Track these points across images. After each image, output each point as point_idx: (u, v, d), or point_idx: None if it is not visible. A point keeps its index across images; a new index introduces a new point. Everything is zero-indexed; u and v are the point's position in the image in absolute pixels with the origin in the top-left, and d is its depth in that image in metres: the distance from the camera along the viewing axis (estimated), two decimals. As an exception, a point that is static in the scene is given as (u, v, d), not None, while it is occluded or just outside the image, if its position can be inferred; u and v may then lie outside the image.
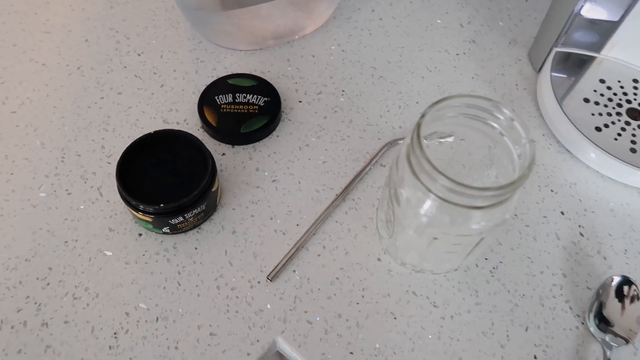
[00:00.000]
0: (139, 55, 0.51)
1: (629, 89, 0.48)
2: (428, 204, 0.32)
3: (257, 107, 0.47)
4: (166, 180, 0.39)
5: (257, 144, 0.46)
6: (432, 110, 0.31)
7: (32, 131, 0.46)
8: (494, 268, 0.41)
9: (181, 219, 0.39)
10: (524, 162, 0.30)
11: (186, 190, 0.38)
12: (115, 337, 0.37)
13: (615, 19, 0.46)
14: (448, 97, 0.32)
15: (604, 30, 0.48)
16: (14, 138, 0.45)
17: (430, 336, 0.38)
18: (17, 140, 0.45)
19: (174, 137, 0.41)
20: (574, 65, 0.50)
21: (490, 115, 0.32)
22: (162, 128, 0.47)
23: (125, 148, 0.39)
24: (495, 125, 0.33)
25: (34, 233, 0.41)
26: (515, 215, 0.44)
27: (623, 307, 0.39)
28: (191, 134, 0.40)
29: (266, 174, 0.45)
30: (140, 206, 0.37)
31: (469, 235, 0.32)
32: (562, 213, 0.44)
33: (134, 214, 0.39)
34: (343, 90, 0.50)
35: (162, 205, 0.37)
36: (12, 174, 0.43)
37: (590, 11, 0.46)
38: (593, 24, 0.48)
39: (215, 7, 0.46)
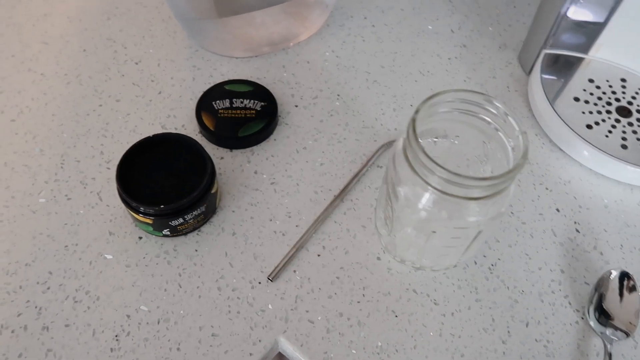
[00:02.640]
0: (136, 63, 0.52)
1: (617, 87, 0.49)
2: (426, 198, 0.33)
3: (254, 111, 0.47)
4: (166, 182, 0.39)
5: (255, 147, 0.47)
6: (425, 106, 0.32)
7: (32, 138, 0.46)
8: (492, 265, 0.41)
9: (181, 220, 0.39)
10: (518, 154, 0.31)
11: (186, 192, 0.38)
12: (117, 340, 0.36)
13: (601, 20, 0.48)
14: (440, 92, 0.32)
15: (591, 32, 0.49)
16: (13, 145, 0.46)
17: (431, 333, 0.38)
18: (17, 148, 0.46)
19: (173, 141, 0.41)
20: (563, 66, 0.51)
21: (483, 109, 0.33)
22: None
23: (124, 152, 0.40)
24: (488, 119, 0.33)
25: (34, 238, 0.41)
26: (512, 212, 0.44)
27: (622, 300, 0.39)
28: (190, 137, 0.41)
29: (265, 176, 0.45)
30: (141, 208, 0.38)
31: (467, 227, 0.33)
32: (558, 210, 0.45)
33: (134, 217, 0.39)
34: (338, 95, 0.51)
35: (162, 206, 0.37)
36: (11, 180, 0.44)
37: (576, 13, 0.47)
38: (579, 26, 0.49)
39: (211, 15, 0.47)
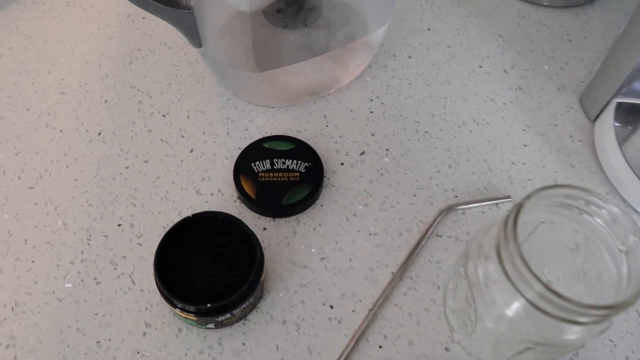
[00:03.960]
0: (163, 116, 0.47)
1: (697, 141, 0.45)
2: (519, 307, 0.29)
3: (298, 174, 0.43)
4: (209, 271, 0.35)
5: (300, 215, 0.42)
6: (529, 203, 0.27)
7: (53, 210, 0.42)
8: (574, 355, 0.37)
9: (229, 315, 0.35)
10: (635, 265, 0.27)
11: (233, 283, 0.34)
12: None
13: (683, 68, 0.43)
14: (548, 187, 0.28)
15: (670, 80, 0.44)
16: (33, 218, 0.41)
17: None
18: (37, 221, 0.41)
19: (215, 219, 0.37)
20: (636, 114, 0.46)
21: (589, 206, 0.29)
22: (195, 200, 0.43)
23: (162, 237, 0.35)
24: (592, 218, 0.29)
25: (61, 332, 0.36)
26: (587, 287, 0.40)
27: None
28: (234, 217, 0.36)
29: (313, 250, 0.41)
30: (185, 306, 0.33)
31: (566, 346, 0.29)
32: None
33: (176, 312, 0.34)
34: (387, 149, 0.46)
35: (209, 305, 0.33)
36: (33, 261, 0.39)
37: (655, 61, 0.43)
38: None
39: (251, 69, 0.42)
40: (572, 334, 0.28)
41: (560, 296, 0.25)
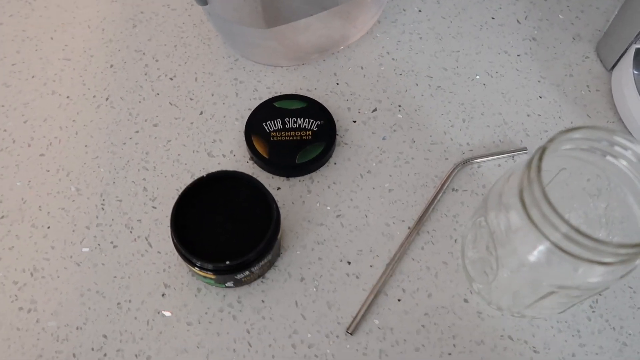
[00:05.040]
0: (171, 79, 0.46)
1: None
2: (542, 251, 0.28)
3: (310, 132, 0.42)
4: (226, 230, 0.34)
5: (313, 174, 0.42)
6: (552, 145, 0.27)
7: (65, 176, 0.41)
8: (593, 302, 0.37)
9: (247, 273, 0.35)
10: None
11: (250, 240, 0.34)
12: (187, 413, 0.33)
13: None
14: (572, 129, 0.27)
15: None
16: (46, 185, 0.41)
17: (531, 384, 0.34)
18: (50, 188, 0.41)
19: (229, 179, 0.36)
20: (654, 61, 0.45)
21: (613, 148, 0.28)
22: (207, 162, 0.42)
23: (176, 197, 0.35)
24: (616, 160, 0.28)
25: (82, 295, 0.37)
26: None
27: None
28: (248, 175, 0.36)
29: (329, 208, 0.40)
30: (204, 265, 0.33)
31: (591, 289, 0.28)
32: (656, 231, 0.40)
33: (195, 271, 0.34)
34: (399, 105, 0.45)
35: (227, 262, 0.33)
36: (49, 227, 0.39)
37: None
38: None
39: (259, 24, 0.41)
40: (595, 276, 0.28)
41: (588, 236, 0.24)
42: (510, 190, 0.30)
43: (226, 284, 0.36)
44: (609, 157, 0.29)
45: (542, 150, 0.26)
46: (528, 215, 0.27)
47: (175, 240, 0.34)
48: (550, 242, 0.27)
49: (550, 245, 0.27)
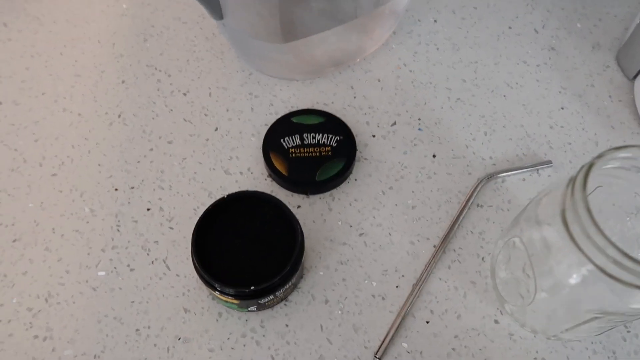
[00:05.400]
0: (184, 95, 0.45)
1: None
2: (584, 274, 0.27)
3: (329, 148, 0.41)
4: (249, 252, 0.33)
5: (334, 191, 0.41)
6: (599, 162, 0.25)
7: (79, 196, 0.40)
8: (628, 322, 0.36)
9: (271, 297, 0.33)
10: None
11: (274, 263, 0.33)
12: None
13: None
14: (620, 147, 0.26)
15: None
16: (59, 207, 0.40)
17: (566, 408, 0.33)
18: (63, 209, 0.40)
19: (250, 199, 0.35)
20: (679, 71, 0.44)
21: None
22: (224, 180, 0.41)
23: (197, 219, 0.34)
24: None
25: (99, 322, 0.35)
26: None
27: None
28: (270, 195, 0.35)
29: (351, 226, 0.39)
30: (226, 290, 0.32)
31: (635, 314, 0.27)
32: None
33: (216, 295, 0.33)
34: (419, 119, 0.44)
35: (252, 287, 0.32)
36: (63, 250, 0.38)
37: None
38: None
39: (276, 40, 0.40)
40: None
41: (638, 261, 0.23)
42: (548, 209, 0.29)
43: (249, 309, 0.35)
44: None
45: (589, 168, 0.25)
46: (570, 236, 0.26)
47: (197, 265, 0.33)
48: (594, 266, 0.26)
49: (594, 269, 0.26)
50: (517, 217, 0.32)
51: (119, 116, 0.44)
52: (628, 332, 0.36)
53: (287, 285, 0.34)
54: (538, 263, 0.29)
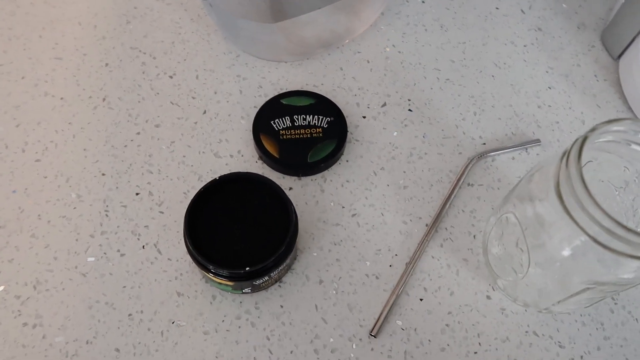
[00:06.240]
0: (170, 77, 0.45)
1: None
2: (577, 246, 0.28)
3: (320, 129, 0.41)
4: (242, 234, 0.33)
5: (325, 172, 0.41)
6: (592, 135, 0.26)
7: (64, 182, 0.39)
8: (615, 294, 0.37)
9: (266, 278, 0.33)
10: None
11: (268, 244, 0.33)
12: None
13: None
14: (613, 121, 0.26)
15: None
16: (44, 192, 0.39)
17: (557, 380, 0.34)
18: (49, 195, 0.39)
19: (242, 181, 0.35)
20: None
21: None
22: (214, 163, 0.40)
23: (184, 201, 0.33)
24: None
25: (90, 308, 0.35)
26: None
27: None
28: (262, 176, 0.35)
29: (343, 207, 0.39)
30: (221, 271, 0.32)
31: (626, 284, 0.28)
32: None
33: (210, 278, 0.33)
34: (409, 99, 0.44)
35: (247, 269, 0.32)
36: (50, 237, 0.37)
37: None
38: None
39: (265, 19, 0.39)
40: (631, 271, 0.27)
41: (632, 230, 0.24)
42: (541, 185, 0.29)
43: (243, 290, 0.34)
44: (633, 146, 0.28)
45: (583, 140, 0.26)
46: (565, 209, 0.26)
47: (190, 247, 0.32)
48: (589, 237, 0.26)
49: (587, 240, 0.26)
50: (508, 195, 0.33)
51: (104, 100, 0.43)
52: (615, 304, 0.36)
53: (282, 266, 0.34)
54: (531, 237, 0.29)
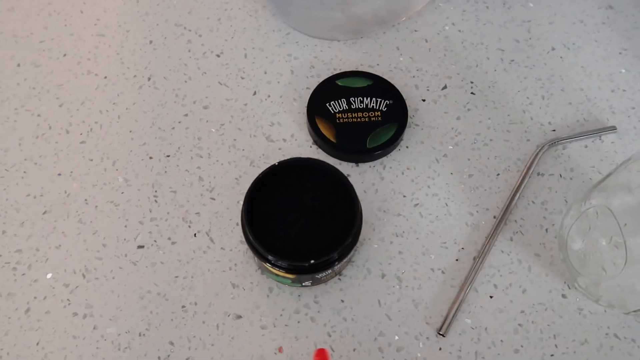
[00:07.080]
0: (217, 56, 0.42)
1: None
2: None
3: (379, 113, 0.38)
4: (303, 224, 0.31)
5: (384, 159, 0.38)
6: None
7: (111, 165, 0.37)
8: None
9: (329, 271, 0.31)
10: None
11: (332, 235, 0.30)
12: None
13: None
14: None
15: None
16: (90, 176, 0.37)
17: (639, 386, 0.31)
18: (95, 179, 0.37)
19: (302, 167, 0.32)
20: None
21: None
22: (266, 148, 0.38)
23: (243, 190, 0.31)
24: None
25: (142, 298, 0.33)
26: None
27: None
28: (326, 163, 0.32)
29: (405, 196, 0.37)
30: (284, 264, 0.30)
31: None
32: None
33: (268, 269, 0.31)
34: (471, 82, 0.42)
35: (312, 261, 0.29)
36: (98, 223, 0.35)
37: None
38: None
39: (324, -7, 0.37)
40: None
41: None
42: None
43: (303, 284, 0.32)
44: None
45: None
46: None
47: (250, 237, 0.30)
48: None
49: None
50: (597, 186, 0.30)
51: (149, 79, 0.41)
52: None
53: (345, 259, 0.31)
54: (632, 233, 0.26)
